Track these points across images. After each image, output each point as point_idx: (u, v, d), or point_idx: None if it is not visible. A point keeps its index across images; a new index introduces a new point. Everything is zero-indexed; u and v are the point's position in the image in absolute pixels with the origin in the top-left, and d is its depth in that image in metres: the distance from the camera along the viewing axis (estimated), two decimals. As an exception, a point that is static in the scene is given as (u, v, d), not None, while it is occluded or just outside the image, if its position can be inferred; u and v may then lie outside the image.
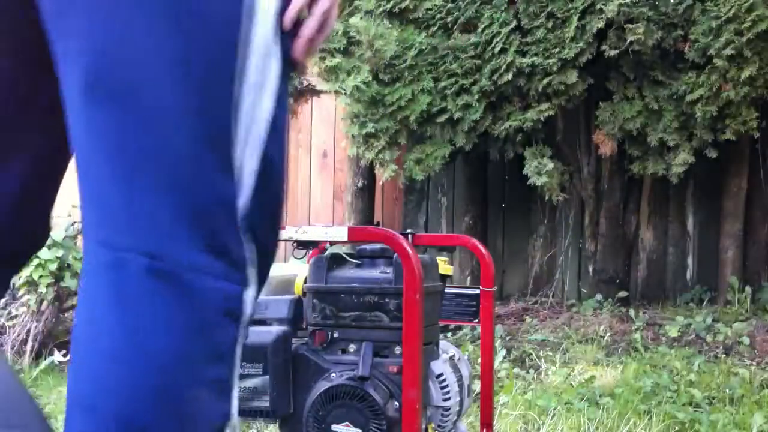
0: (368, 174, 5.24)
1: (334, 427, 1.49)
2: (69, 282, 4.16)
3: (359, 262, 1.58)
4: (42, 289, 4.10)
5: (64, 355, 4.25)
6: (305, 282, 1.60)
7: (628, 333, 4.04)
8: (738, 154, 4.62)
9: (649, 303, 4.86)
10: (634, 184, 4.84)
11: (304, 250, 1.69)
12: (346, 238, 1.52)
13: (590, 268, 4.88)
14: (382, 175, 4.59)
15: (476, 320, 1.86)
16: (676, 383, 3.23)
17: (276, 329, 1.54)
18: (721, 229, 4.72)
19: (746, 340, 3.82)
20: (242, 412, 1.58)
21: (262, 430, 2.87)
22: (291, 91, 4.90)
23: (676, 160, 4.17)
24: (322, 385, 1.51)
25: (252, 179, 0.87)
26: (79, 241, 4.46)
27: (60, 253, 4.16)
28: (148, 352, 0.80)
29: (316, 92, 5.13)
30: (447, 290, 1.79)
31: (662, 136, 4.17)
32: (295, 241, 1.57)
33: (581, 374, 3.43)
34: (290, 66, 0.94)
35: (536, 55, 4.17)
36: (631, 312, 4.35)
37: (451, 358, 1.66)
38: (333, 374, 1.52)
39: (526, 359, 3.75)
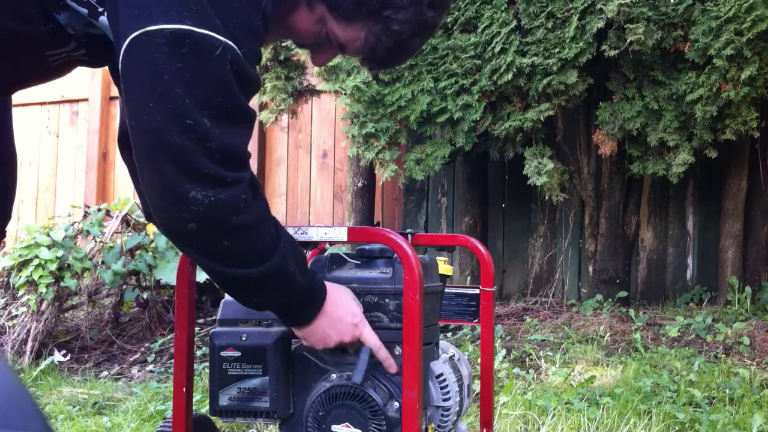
0: (368, 174, 5.24)
1: (334, 427, 1.49)
2: (69, 282, 4.16)
3: (359, 262, 1.58)
4: (42, 289, 4.10)
5: (64, 355, 4.25)
6: (305, 282, 1.59)
7: (628, 333, 4.04)
8: (738, 154, 4.62)
9: (649, 303, 4.86)
10: (634, 184, 4.84)
11: (304, 251, 1.68)
12: (345, 239, 1.52)
13: (590, 268, 4.88)
14: (382, 175, 4.59)
15: (476, 320, 1.86)
16: (676, 383, 3.23)
17: (276, 329, 1.53)
18: (721, 229, 4.72)
19: (746, 340, 3.82)
20: (242, 413, 1.58)
21: (262, 431, 2.87)
22: (291, 91, 4.90)
23: (676, 160, 4.17)
24: (322, 386, 1.51)
25: None
26: (79, 241, 4.46)
27: (60, 253, 4.16)
28: None
29: (316, 92, 5.13)
30: (447, 290, 1.79)
31: (662, 136, 4.17)
32: (295, 241, 1.57)
33: (581, 374, 3.44)
34: None
35: (536, 55, 4.17)
36: (631, 312, 4.35)
37: (451, 358, 1.66)
38: (333, 375, 1.52)
39: (526, 359, 3.75)
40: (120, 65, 1.24)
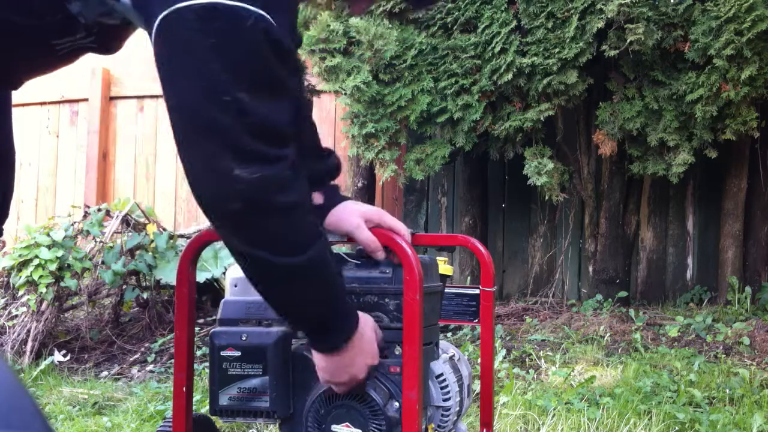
0: (368, 174, 5.24)
1: (333, 427, 1.49)
2: (69, 282, 4.16)
3: (359, 262, 1.58)
4: (42, 289, 4.10)
5: (64, 355, 4.25)
6: (305, 282, 1.59)
7: (628, 333, 4.04)
8: (738, 154, 4.62)
9: (649, 303, 4.86)
10: (634, 184, 4.84)
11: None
12: (345, 239, 1.52)
13: (590, 268, 4.88)
14: (382, 175, 4.58)
15: (476, 320, 1.86)
16: (676, 383, 3.23)
17: (276, 329, 1.53)
18: (721, 229, 4.72)
19: (746, 340, 3.82)
20: (242, 413, 1.58)
21: (262, 431, 2.87)
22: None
23: (676, 160, 4.17)
24: (322, 386, 1.51)
25: None
26: (79, 241, 4.46)
27: (60, 253, 4.16)
28: None
29: (316, 92, 5.12)
30: (447, 290, 1.79)
31: (662, 136, 4.17)
32: (295, 241, 1.57)
33: (581, 374, 3.44)
34: None
35: (536, 55, 4.17)
36: (631, 312, 4.35)
37: (451, 358, 1.66)
38: (333, 374, 1.52)
39: (526, 359, 3.75)
40: (153, 48, 1.21)
